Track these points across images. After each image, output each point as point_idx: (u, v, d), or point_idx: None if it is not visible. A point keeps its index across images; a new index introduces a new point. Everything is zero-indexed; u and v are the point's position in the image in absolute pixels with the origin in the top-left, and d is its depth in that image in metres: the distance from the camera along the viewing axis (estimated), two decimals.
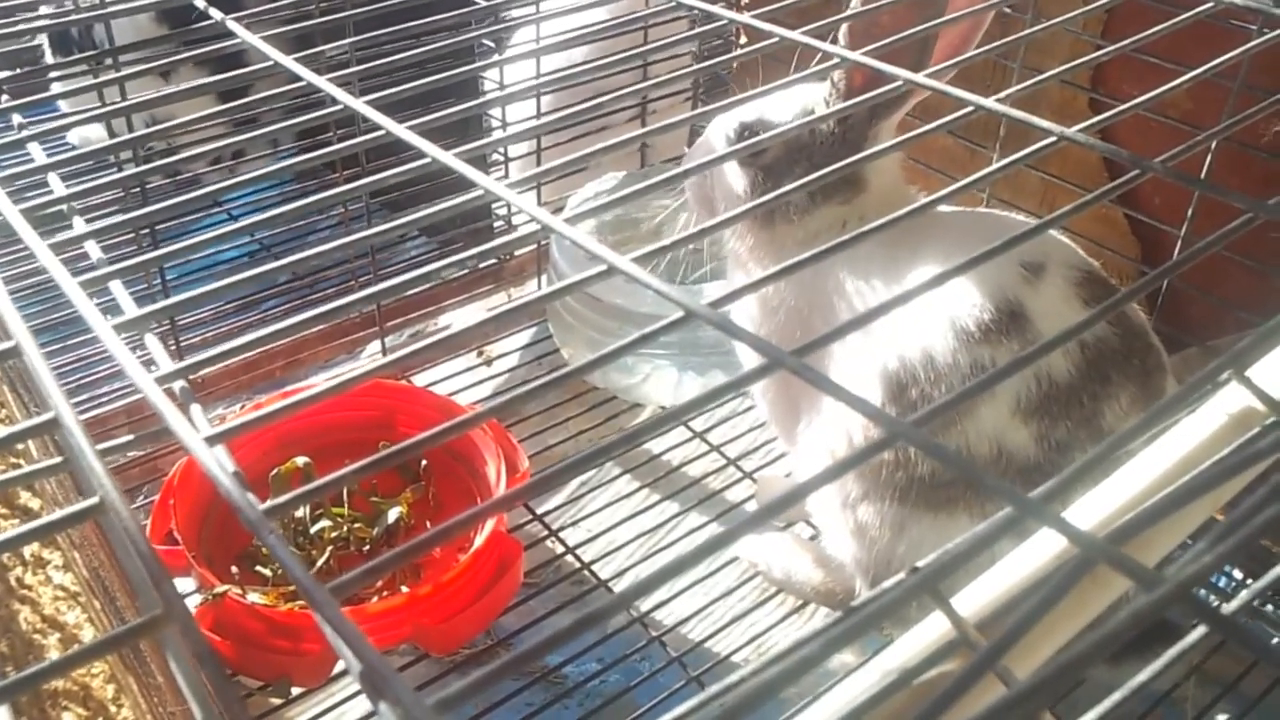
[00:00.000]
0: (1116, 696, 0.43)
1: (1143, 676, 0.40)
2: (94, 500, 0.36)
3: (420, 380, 1.47)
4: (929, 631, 0.46)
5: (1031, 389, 0.88)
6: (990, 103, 0.58)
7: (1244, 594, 0.40)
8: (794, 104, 1.06)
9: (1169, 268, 0.51)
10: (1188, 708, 1.09)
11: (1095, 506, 0.50)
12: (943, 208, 1.03)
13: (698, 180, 1.13)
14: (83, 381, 1.42)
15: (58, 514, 0.35)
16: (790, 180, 1.00)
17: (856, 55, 0.64)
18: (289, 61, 0.66)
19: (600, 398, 1.45)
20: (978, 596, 0.47)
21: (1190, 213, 1.07)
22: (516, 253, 1.70)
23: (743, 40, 1.57)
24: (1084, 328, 0.46)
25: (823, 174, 0.53)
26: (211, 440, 0.38)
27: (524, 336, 1.65)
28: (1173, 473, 0.52)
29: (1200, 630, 0.36)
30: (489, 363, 1.62)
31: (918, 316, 0.92)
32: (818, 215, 1.04)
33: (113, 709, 0.56)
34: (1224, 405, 0.55)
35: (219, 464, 0.37)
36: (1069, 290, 0.92)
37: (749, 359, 1.17)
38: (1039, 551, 0.49)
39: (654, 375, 1.38)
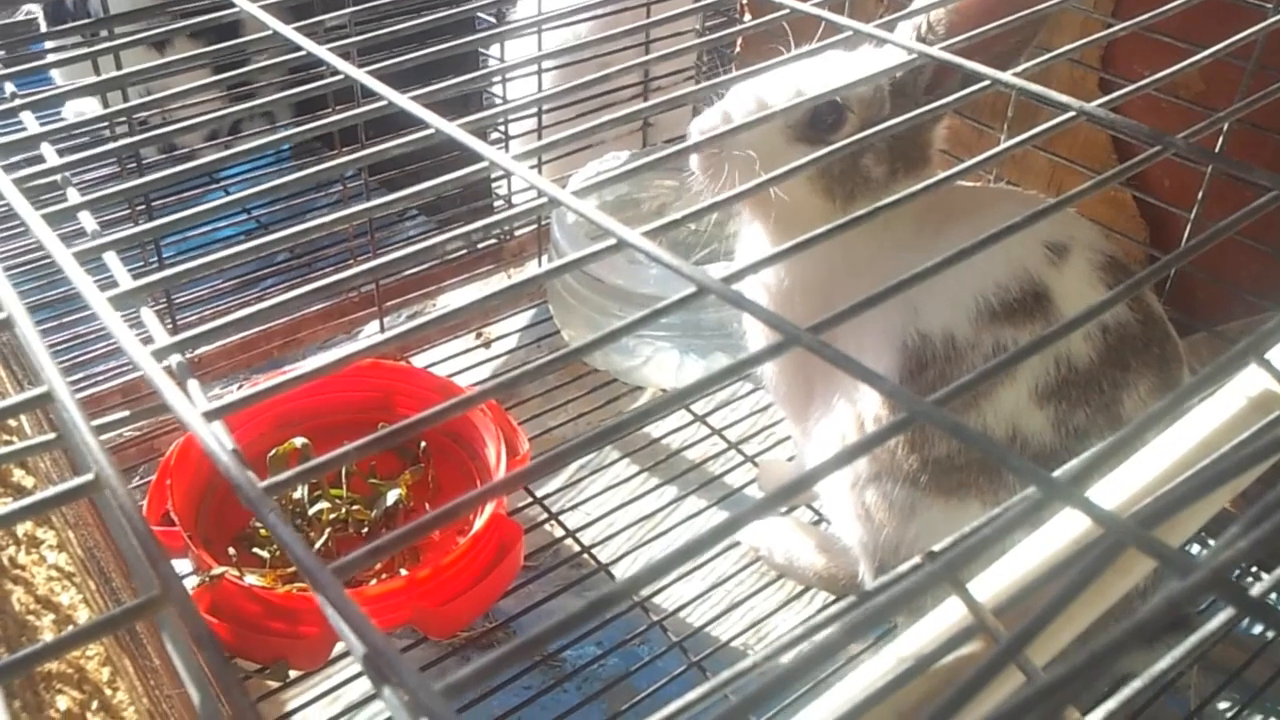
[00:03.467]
0: (1137, 684, 0.42)
1: (1164, 663, 0.39)
2: (89, 476, 0.34)
3: (419, 362, 1.46)
4: (945, 617, 0.45)
5: (1050, 372, 0.87)
6: (1008, 76, 0.56)
7: (1270, 577, 0.39)
8: (828, 79, 0.95)
9: (1186, 250, 0.50)
10: (1191, 695, 1.08)
11: (1114, 490, 0.49)
12: (964, 184, 1.01)
13: (713, 154, 1.06)
14: (77, 360, 1.41)
15: (52, 490, 0.34)
16: (865, 155, 0.95)
17: (869, 28, 0.63)
18: (289, 31, 0.64)
19: (600, 380, 1.44)
20: (994, 582, 0.46)
21: (1201, 195, 1.05)
22: (517, 232, 1.68)
23: (746, 17, 1.55)
24: (1105, 308, 0.45)
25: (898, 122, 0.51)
26: (210, 415, 0.37)
27: (523, 319, 1.64)
28: (1191, 456, 0.51)
29: (1224, 614, 0.35)
30: (488, 345, 1.61)
31: (938, 294, 0.90)
32: (894, 191, 0.99)
33: (108, 692, 0.55)
34: (1243, 389, 0.54)
35: (217, 440, 0.36)
36: (1092, 274, 0.91)
37: (758, 342, 1.15)
38: (1055, 536, 0.48)
39: (655, 358, 1.37)
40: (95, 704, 0.52)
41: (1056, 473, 0.36)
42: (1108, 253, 0.93)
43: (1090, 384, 0.87)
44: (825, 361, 0.40)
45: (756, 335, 1.13)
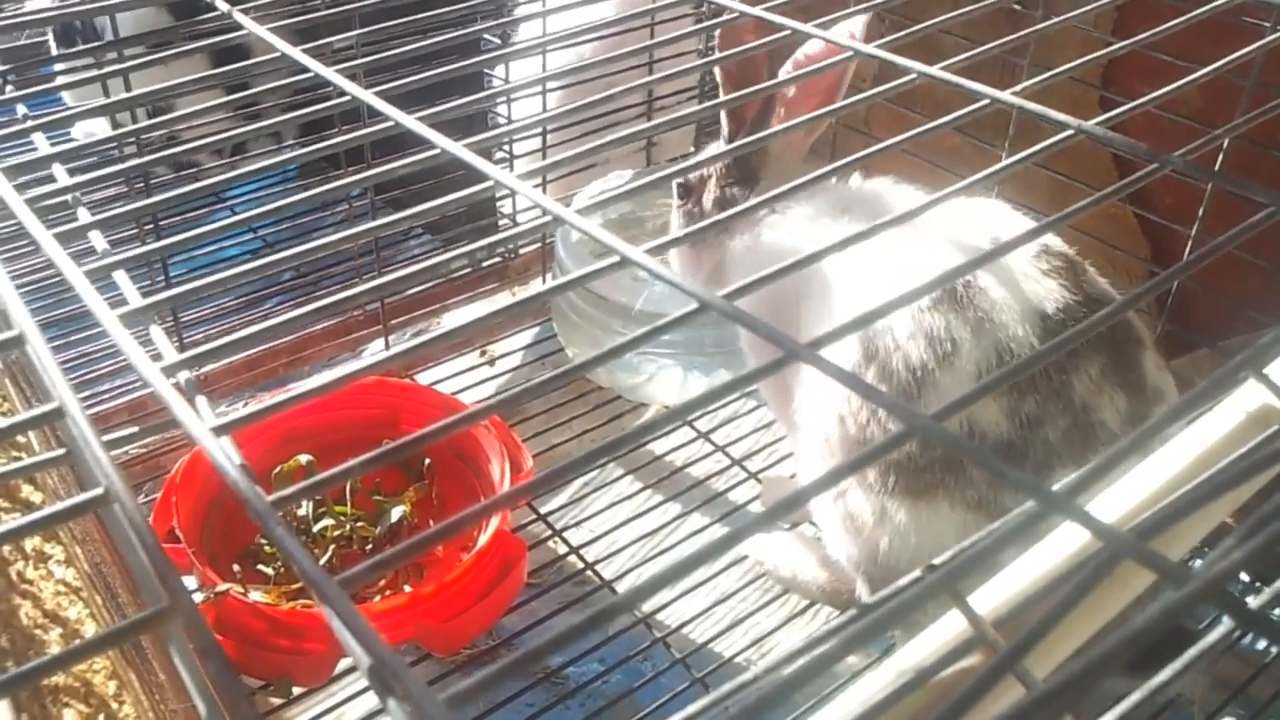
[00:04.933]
0: (1136, 696, 0.42)
1: (1164, 675, 0.39)
2: (98, 490, 0.35)
3: (423, 380, 1.46)
4: (944, 630, 0.45)
5: (991, 361, 0.87)
6: (1006, 95, 0.57)
7: (1269, 590, 0.40)
8: None
9: (1184, 265, 0.50)
10: (1196, 711, 1.08)
11: (1113, 504, 0.49)
12: (887, 184, 1.09)
13: None
14: (85, 378, 1.42)
15: (61, 505, 0.35)
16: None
17: (869, 48, 0.63)
18: (297, 53, 0.65)
19: (604, 397, 1.44)
20: (994, 594, 0.47)
21: (1202, 211, 1.06)
22: (521, 250, 1.69)
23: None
24: (1109, 319, 0.46)
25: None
26: (218, 430, 0.37)
27: (527, 336, 1.64)
28: (1190, 471, 0.52)
29: (1224, 627, 0.36)
30: (492, 362, 1.62)
31: (877, 288, 0.92)
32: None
33: (114, 705, 0.55)
34: (1241, 403, 0.54)
35: (226, 454, 0.36)
36: (1026, 262, 0.92)
37: (752, 351, 1.17)
38: (1055, 549, 0.48)
39: (659, 375, 1.37)
40: (101, 717, 0.53)
41: (1056, 486, 0.36)
42: (1044, 242, 0.94)
43: (1035, 371, 0.87)
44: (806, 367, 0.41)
45: (751, 346, 1.15)
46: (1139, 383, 0.90)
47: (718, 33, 1.05)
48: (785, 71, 1.00)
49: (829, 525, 1.00)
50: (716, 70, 1.11)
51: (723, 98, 0.76)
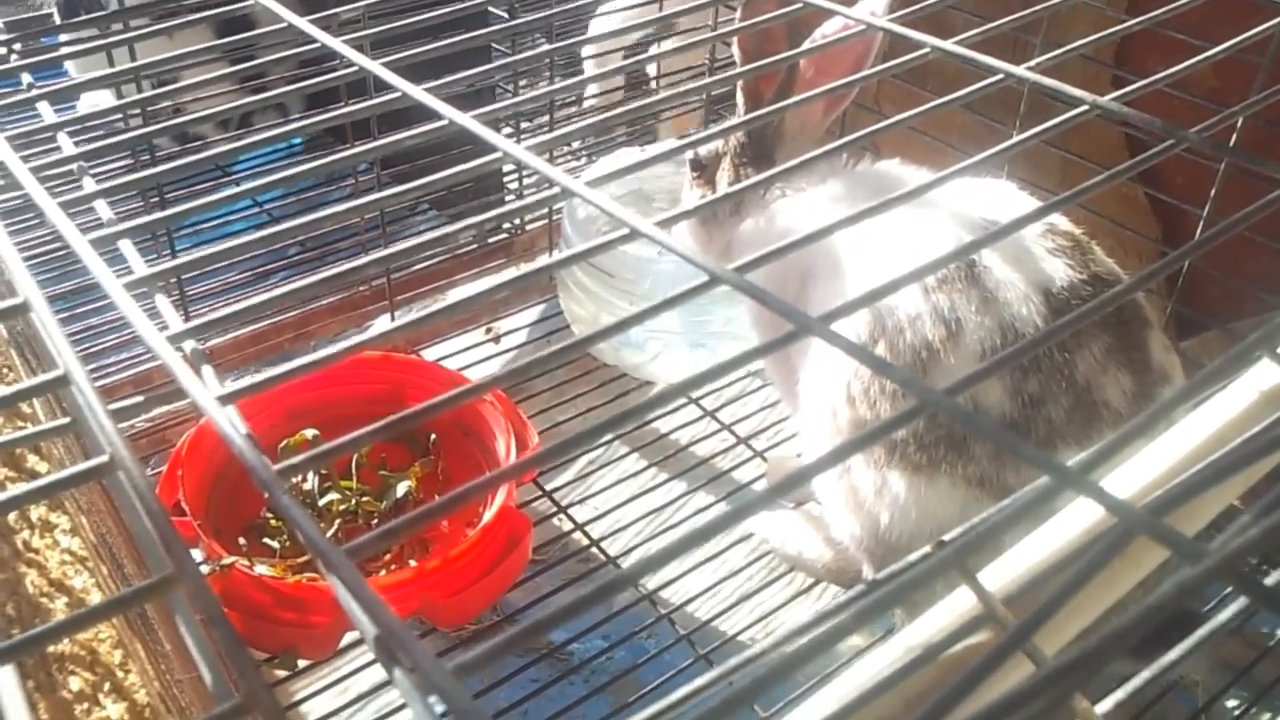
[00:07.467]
0: (1146, 674, 0.42)
1: (1173, 655, 0.39)
2: (103, 458, 0.35)
3: (428, 357, 1.46)
4: (954, 606, 0.45)
5: (996, 340, 0.87)
6: (1020, 70, 0.56)
7: None
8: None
9: (1195, 245, 0.50)
10: (1199, 693, 1.08)
11: (1126, 481, 0.49)
12: (897, 167, 1.09)
13: None
14: (91, 350, 1.41)
15: (66, 471, 0.34)
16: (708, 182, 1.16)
17: (883, 21, 0.63)
18: (303, 23, 0.65)
19: (610, 375, 1.44)
20: (1004, 571, 0.46)
21: (1214, 192, 1.05)
22: (528, 226, 1.68)
23: None
24: (1100, 309, 0.45)
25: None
26: (224, 399, 0.37)
27: (533, 313, 1.64)
28: (1203, 449, 0.51)
29: (1237, 605, 0.35)
30: (497, 339, 1.61)
31: (883, 268, 0.92)
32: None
33: (120, 674, 0.55)
34: (1255, 382, 0.54)
35: (232, 424, 0.36)
36: (1031, 241, 0.91)
37: (757, 326, 1.17)
38: (1066, 525, 0.48)
39: (665, 353, 1.37)
40: (107, 685, 0.53)
41: (1071, 462, 0.36)
42: (1050, 221, 0.93)
43: (1039, 350, 0.87)
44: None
45: (758, 322, 1.15)
46: (1144, 362, 0.89)
47: (736, 12, 1.05)
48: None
49: (832, 503, 1.00)
50: (735, 50, 1.10)
51: (741, 69, 0.75)
